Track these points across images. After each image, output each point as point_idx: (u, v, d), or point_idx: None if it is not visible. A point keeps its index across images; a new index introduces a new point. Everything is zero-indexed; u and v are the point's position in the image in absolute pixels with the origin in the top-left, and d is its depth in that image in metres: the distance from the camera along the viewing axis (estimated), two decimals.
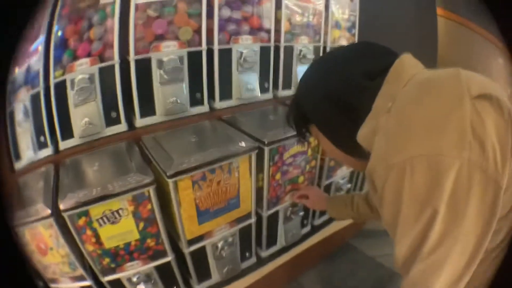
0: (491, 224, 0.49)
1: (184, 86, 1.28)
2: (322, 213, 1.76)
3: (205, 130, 1.35)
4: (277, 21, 1.47)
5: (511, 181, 0.50)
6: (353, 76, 0.64)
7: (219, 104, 1.42)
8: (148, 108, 1.25)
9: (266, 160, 1.27)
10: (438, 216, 0.48)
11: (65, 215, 0.92)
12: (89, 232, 0.99)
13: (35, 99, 1.04)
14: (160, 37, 1.20)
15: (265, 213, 1.42)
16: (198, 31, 1.26)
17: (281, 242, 1.59)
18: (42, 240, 0.97)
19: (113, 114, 1.19)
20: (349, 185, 1.77)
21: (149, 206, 1.05)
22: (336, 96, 0.66)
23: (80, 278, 1.06)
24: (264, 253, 1.57)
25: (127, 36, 1.14)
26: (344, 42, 1.80)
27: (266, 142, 1.22)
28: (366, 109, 0.61)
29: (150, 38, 1.18)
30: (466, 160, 0.46)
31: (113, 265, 1.08)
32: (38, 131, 1.07)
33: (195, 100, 1.34)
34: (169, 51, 1.22)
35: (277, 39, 1.50)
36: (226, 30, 1.34)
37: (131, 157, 1.12)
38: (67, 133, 1.12)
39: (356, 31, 1.86)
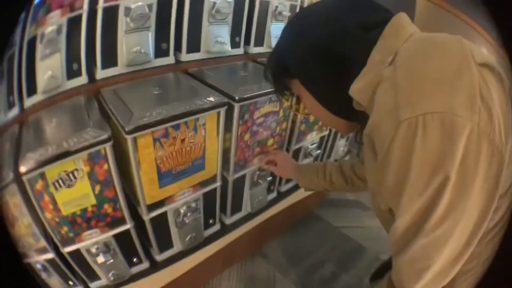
0: (493, 200, 0.47)
1: (150, 35, 1.17)
2: (289, 178, 1.71)
3: (169, 83, 1.24)
4: None
5: (511, 159, 0.48)
6: (347, 25, 0.59)
7: (186, 56, 1.30)
8: (110, 58, 1.14)
9: (236, 118, 1.18)
10: (449, 184, 0.45)
11: (24, 178, 0.85)
12: (46, 198, 0.92)
13: (10, 59, 0.94)
14: None
15: (231, 177, 1.35)
16: None
17: (246, 208, 1.54)
18: (10, 211, 0.92)
19: (75, 66, 1.08)
20: (318, 151, 1.73)
21: (105, 167, 0.97)
22: (326, 46, 0.60)
23: (44, 251, 1.00)
24: (229, 220, 1.52)
25: None
26: None
27: (236, 98, 1.13)
28: (360, 62, 0.57)
29: None
30: (476, 124, 0.43)
31: (71, 234, 1.01)
32: (9, 90, 0.97)
33: (160, 51, 1.23)
34: None
35: None
36: None
37: (89, 112, 1.02)
38: (32, 89, 1.02)
39: None
